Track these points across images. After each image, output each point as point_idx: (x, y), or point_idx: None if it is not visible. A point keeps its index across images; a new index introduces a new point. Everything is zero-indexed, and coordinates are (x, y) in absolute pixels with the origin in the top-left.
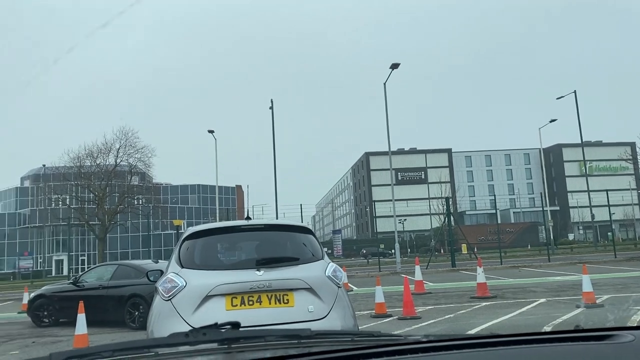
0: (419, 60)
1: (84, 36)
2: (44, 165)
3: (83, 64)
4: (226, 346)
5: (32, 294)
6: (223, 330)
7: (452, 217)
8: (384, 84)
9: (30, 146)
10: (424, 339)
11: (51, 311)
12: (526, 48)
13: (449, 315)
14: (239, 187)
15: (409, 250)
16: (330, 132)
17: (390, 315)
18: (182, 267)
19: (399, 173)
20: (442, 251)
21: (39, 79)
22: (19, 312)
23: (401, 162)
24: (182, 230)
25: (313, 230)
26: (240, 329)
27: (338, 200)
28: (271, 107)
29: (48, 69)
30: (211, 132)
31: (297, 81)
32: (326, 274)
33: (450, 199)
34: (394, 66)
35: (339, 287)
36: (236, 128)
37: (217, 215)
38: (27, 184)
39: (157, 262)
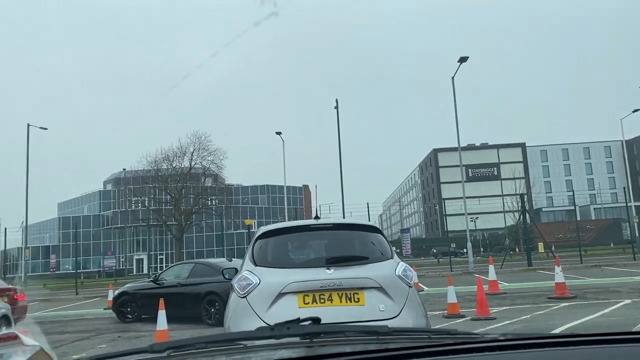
0: (488, 52)
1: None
2: (124, 170)
3: (160, 69)
4: (308, 340)
5: (116, 292)
6: (305, 325)
7: (527, 214)
8: (452, 78)
9: (112, 152)
10: (502, 337)
11: (134, 308)
12: (606, 32)
13: (525, 316)
14: (306, 186)
15: (481, 249)
16: (397, 129)
17: (463, 316)
18: (256, 265)
19: (470, 169)
20: (517, 250)
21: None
22: (104, 309)
23: (472, 158)
24: (253, 230)
25: (381, 229)
26: (321, 324)
27: (406, 198)
28: (336, 107)
29: (178, 84)
30: (279, 133)
31: (362, 79)
32: (396, 273)
33: (525, 196)
34: (463, 60)
35: (409, 286)
36: (302, 128)
37: (286, 214)
38: (109, 187)
39: (230, 261)
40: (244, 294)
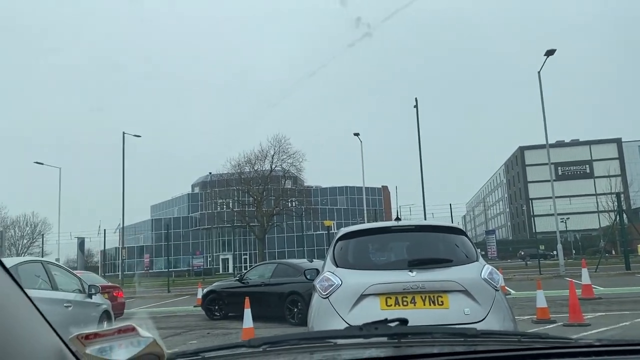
0: (575, 43)
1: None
2: (210, 173)
3: (234, 70)
4: (396, 340)
5: (205, 290)
6: (392, 326)
7: (624, 214)
8: (539, 72)
9: (199, 156)
10: (598, 343)
11: (221, 305)
12: None
13: (624, 323)
14: (385, 187)
15: (573, 251)
16: (480, 127)
17: (554, 322)
18: (337, 266)
19: (559, 167)
20: (613, 252)
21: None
22: (194, 306)
23: (561, 155)
24: (333, 231)
25: (465, 231)
26: (408, 326)
27: (490, 198)
28: (415, 106)
29: (302, 82)
30: (357, 134)
31: (443, 77)
32: (482, 276)
33: (622, 194)
34: (549, 53)
35: (496, 290)
36: (381, 129)
37: (365, 216)
38: (197, 190)
39: (311, 262)
40: (326, 294)
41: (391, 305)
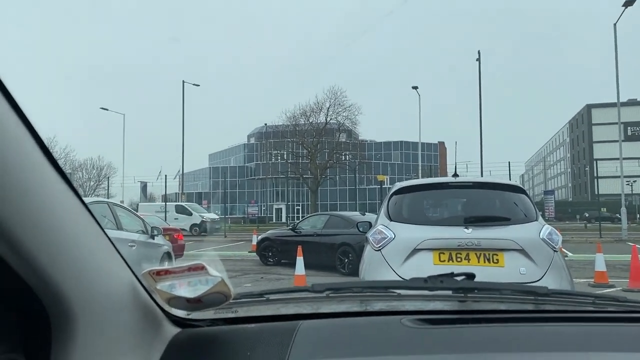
0: None
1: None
2: (265, 124)
3: (294, 24)
4: (462, 295)
5: (259, 237)
6: (458, 280)
7: None
8: (614, 25)
9: (255, 107)
10: None
11: (274, 252)
12: None
13: None
14: (441, 143)
15: (638, 215)
16: (543, 83)
17: (612, 286)
18: (391, 220)
19: (629, 127)
20: None
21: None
22: (249, 252)
23: (631, 114)
24: (386, 185)
25: (525, 189)
26: (475, 281)
27: (551, 158)
28: (478, 59)
29: (362, 34)
30: (415, 88)
31: (507, 31)
32: (540, 236)
33: None
34: (628, 3)
35: (554, 250)
36: (440, 82)
37: (420, 171)
38: (252, 140)
39: (364, 215)
40: (379, 247)
41: (444, 260)
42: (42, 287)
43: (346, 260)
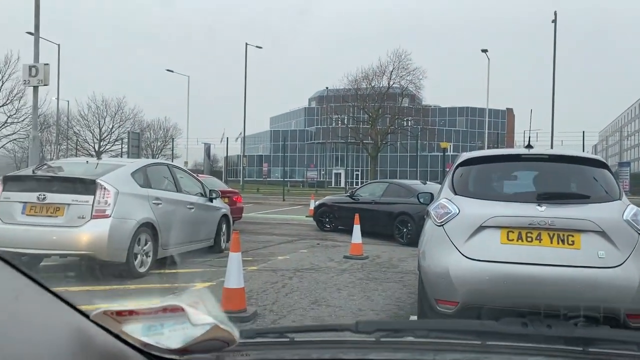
0: None
1: None
2: (326, 88)
3: None
4: (580, 349)
5: (317, 202)
6: (576, 326)
7: None
8: None
9: (316, 69)
10: None
11: (331, 218)
12: None
13: None
14: (509, 110)
15: None
16: (622, 47)
17: None
18: (455, 194)
19: None
20: None
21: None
22: (306, 216)
23: None
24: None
25: (608, 164)
26: (597, 328)
27: (629, 128)
28: (554, 21)
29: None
30: (485, 51)
31: None
32: (624, 218)
33: None
34: None
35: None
36: (510, 46)
37: (486, 139)
38: (313, 104)
39: (425, 184)
40: (441, 222)
41: (513, 239)
42: None
43: (405, 230)
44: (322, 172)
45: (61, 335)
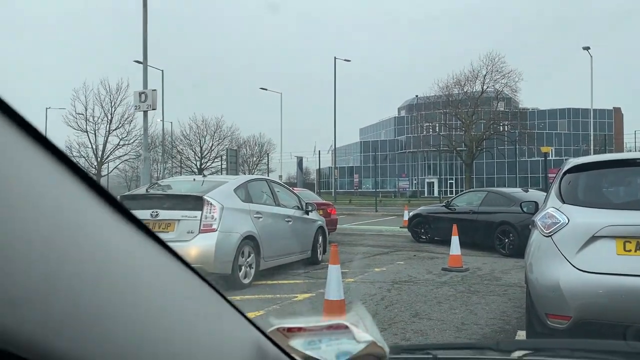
0: None
1: None
2: (416, 96)
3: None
4: None
5: (411, 213)
6: None
7: None
8: None
9: (406, 79)
10: None
11: (427, 229)
12: None
13: None
14: (617, 109)
15: None
16: None
17: None
18: (563, 202)
19: None
20: None
21: None
22: (400, 227)
23: None
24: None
25: None
26: None
27: None
28: None
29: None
30: (586, 48)
31: None
32: None
33: None
34: None
35: None
36: (617, 41)
37: (591, 142)
38: (403, 113)
39: (527, 192)
40: (549, 233)
41: (631, 250)
42: None
43: (506, 241)
44: (414, 182)
45: (244, 351)
